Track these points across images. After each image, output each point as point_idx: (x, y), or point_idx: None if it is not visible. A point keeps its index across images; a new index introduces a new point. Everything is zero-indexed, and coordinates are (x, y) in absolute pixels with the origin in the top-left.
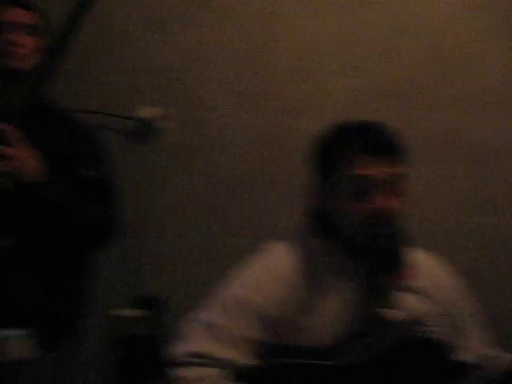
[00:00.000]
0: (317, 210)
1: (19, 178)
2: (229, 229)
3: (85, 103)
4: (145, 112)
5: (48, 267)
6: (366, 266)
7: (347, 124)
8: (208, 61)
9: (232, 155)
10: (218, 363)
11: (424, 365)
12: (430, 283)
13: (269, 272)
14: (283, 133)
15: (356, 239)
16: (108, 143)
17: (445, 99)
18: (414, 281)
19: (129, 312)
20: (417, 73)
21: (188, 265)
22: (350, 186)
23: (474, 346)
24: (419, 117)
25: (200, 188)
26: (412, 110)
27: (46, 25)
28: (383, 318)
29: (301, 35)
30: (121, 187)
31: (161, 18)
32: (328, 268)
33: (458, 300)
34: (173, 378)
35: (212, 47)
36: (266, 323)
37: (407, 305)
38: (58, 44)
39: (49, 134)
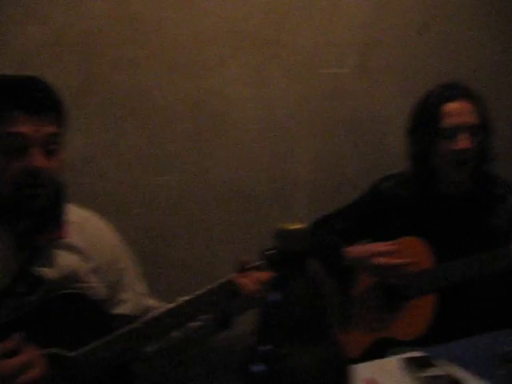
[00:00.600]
0: None
1: None
2: None
3: None
4: None
5: None
6: (21, 225)
7: (3, 79)
8: None
9: None
10: None
11: (78, 319)
12: (84, 240)
13: None
14: None
15: (11, 198)
16: None
17: (130, 60)
18: (68, 238)
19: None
20: (106, 31)
21: None
22: (5, 144)
23: (134, 299)
24: (104, 75)
25: None
26: (97, 68)
27: None
28: (38, 276)
29: None
30: None
31: None
32: None
33: (115, 255)
34: None
35: None
36: None
37: (61, 262)
38: None
39: None
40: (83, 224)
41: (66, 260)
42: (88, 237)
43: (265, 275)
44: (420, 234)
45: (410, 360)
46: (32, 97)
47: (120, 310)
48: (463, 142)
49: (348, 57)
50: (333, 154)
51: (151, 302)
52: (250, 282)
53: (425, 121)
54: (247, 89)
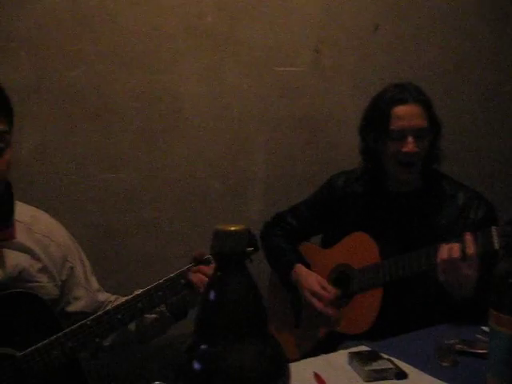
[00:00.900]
0: None
1: None
2: None
3: None
4: None
5: None
6: None
7: None
8: None
9: None
10: None
11: (27, 319)
12: (33, 239)
13: None
14: None
15: None
16: None
17: (82, 56)
18: (17, 238)
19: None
20: (58, 27)
21: None
22: None
23: (87, 295)
24: (56, 72)
25: None
26: (49, 64)
27: None
28: None
29: None
30: None
31: None
32: None
33: (65, 253)
34: None
35: None
36: None
37: (10, 262)
38: None
39: None
40: (32, 223)
41: (14, 260)
42: (37, 236)
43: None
44: (369, 229)
45: (357, 354)
46: None
47: (74, 307)
48: (409, 146)
49: (302, 55)
50: (286, 151)
51: (105, 296)
52: (201, 276)
53: (375, 121)
54: (201, 86)
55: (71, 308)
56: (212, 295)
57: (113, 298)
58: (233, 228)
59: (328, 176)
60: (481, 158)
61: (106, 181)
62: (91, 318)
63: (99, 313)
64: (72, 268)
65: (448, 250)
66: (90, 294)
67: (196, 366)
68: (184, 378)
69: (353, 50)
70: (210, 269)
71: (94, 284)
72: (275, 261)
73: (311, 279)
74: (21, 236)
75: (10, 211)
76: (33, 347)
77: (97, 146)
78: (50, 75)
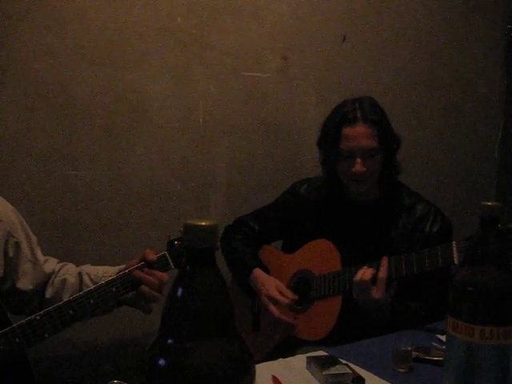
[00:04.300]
0: None
1: None
2: None
3: None
4: None
5: None
6: None
7: None
8: None
9: None
10: None
11: None
12: None
13: None
14: None
15: None
16: None
17: (48, 49)
18: None
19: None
20: (24, 18)
21: None
22: None
23: (33, 269)
24: (20, 63)
25: None
26: (13, 56)
27: None
28: None
29: None
30: None
31: None
32: None
33: (9, 229)
34: None
35: None
36: None
37: None
38: None
39: None
40: None
41: None
42: None
43: (164, 276)
44: (330, 237)
45: (315, 358)
46: None
47: (22, 283)
48: (357, 166)
49: (269, 62)
50: (250, 156)
51: (51, 266)
52: (153, 279)
53: (327, 139)
54: (167, 86)
55: (20, 284)
56: (180, 290)
57: (58, 266)
58: (204, 222)
59: (290, 182)
60: (440, 169)
61: (66, 177)
62: (41, 313)
63: (49, 308)
64: (17, 243)
65: (361, 273)
66: (37, 267)
67: (161, 361)
68: (149, 375)
69: (320, 59)
70: (162, 274)
71: (40, 256)
72: (234, 265)
73: (269, 284)
74: None
75: None
76: None
77: (58, 142)
78: (14, 66)
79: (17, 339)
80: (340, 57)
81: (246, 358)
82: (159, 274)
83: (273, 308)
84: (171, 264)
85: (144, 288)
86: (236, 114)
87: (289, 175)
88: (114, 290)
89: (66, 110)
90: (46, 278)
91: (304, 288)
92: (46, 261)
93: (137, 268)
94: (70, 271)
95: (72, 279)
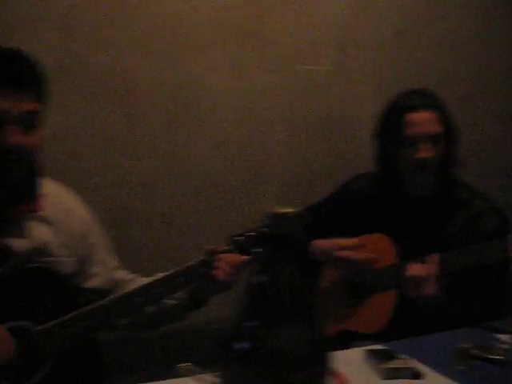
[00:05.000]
0: None
1: None
2: None
3: None
4: None
5: None
6: None
7: None
8: None
9: None
10: None
11: (45, 294)
12: (56, 213)
13: None
14: None
15: None
16: None
17: (111, 41)
18: (41, 210)
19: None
20: (89, 10)
21: None
22: None
23: (104, 273)
24: (84, 54)
25: None
26: (77, 47)
27: None
28: (7, 247)
29: None
30: None
31: None
32: None
33: (85, 230)
34: None
35: None
36: None
37: (33, 234)
38: None
39: None
40: (56, 197)
41: (37, 232)
42: (60, 210)
43: (235, 258)
44: (386, 232)
45: (372, 352)
46: (12, 71)
47: (90, 283)
48: (424, 152)
49: (326, 55)
50: (304, 149)
51: (121, 274)
52: (222, 265)
53: (389, 128)
54: (224, 79)
55: (87, 284)
56: (263, 275)
57: (129, 276)
58: (288, 210)
59: (345, 177)
60: (496, 167)
61: (126, 167)
62: (110, 298)
63: (118, 294)
64: (91, 244)
65: (412, 268)
66: (107, 271)
67: (240, 345)
68: (228, 356)
69: (377, 51)
70: (232, 257)
71: (112, 262)
72: None
73: (333, 240)
74: (45, 209)
75: (37, 186)
76: (50, 323)
77: (118, 132)
78: (78, 57)
79: (86, 322)
80: (397, 49)
81: (323, 346)
82: (229, 256)
83: (343, 252)
84: None
85: (215, 273)
86: (292, 106)
87: (344, 169)
88: (181, 280)
89: (126, 101)
90: (114, 284)
91: (359, 282)
92: (117, 268)
93: (206, 259)
94: (137, 282)
95: None
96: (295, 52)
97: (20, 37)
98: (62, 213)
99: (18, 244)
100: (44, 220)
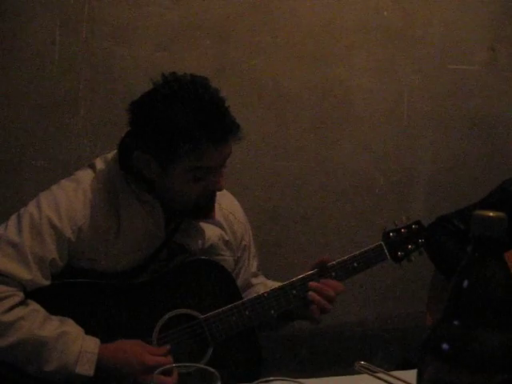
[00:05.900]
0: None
1: None
2: None
3: None
4: None
5: None
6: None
7: (189, 99)
8: None
9: None
10: (19, 283)
11: (211, 285)
12: (222, 215)
13: (77, 197)
14: None
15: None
16: None
17: (262, 46)
18: (215, 218)
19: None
20: (242, 17)
21: None
22: (191, 175)
23: (244, 275)
24: (237, 61)
25: None
26: (232, 53)
27: None
28: (180, 245)
29: None
30: None
31: None
32: (131, 199)
33: (243, 232)
34: None
35: None
36: (66, 245)
37: (203, 235)
38: None
39: None
40: (220, 200)
41: (208, 233)
42: (224, 212)
43: (340, 286)
44: None
45: None
46: (221, 126)
47: (238, 282)
48: None
49: (476, 54)
50: (453, 151)
51: (258, 281)
52: (325, 287)
53: None
54: (373, 80)
55: None
56: (469, 277)
57: (267, 280)
58: (494, 213)
59: (497, 180)
60: None
61: (276, 167)
62: (268, 290)
63: (276, 287)
64: (245, 247)
65: None
66: (246, 275)
67: (444, 345)
68: (430, 357)
69: None
70: (337, 284)
71: (253, 267)
72: (443, 260)
73: None
74: (218, 212)
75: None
76: (215, 311)
77: (269, 134)
78: (231, 63)
79: (247, 312)
80: None
81: None
82: (335, 283)
83: None
84: (387, 255)
85: (316, 297)
86: (441, 107)
87: (495, 172)
88: (294, 292)
89: (276, 104)
90: (248, 289)
91: None
92: (256, 275)
93: (313, 274)
94: (268, 285)
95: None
96: (444, 52)
97: (178, 45)
98: (225, 215)
99: (189, 242)
100: (213, 221)
